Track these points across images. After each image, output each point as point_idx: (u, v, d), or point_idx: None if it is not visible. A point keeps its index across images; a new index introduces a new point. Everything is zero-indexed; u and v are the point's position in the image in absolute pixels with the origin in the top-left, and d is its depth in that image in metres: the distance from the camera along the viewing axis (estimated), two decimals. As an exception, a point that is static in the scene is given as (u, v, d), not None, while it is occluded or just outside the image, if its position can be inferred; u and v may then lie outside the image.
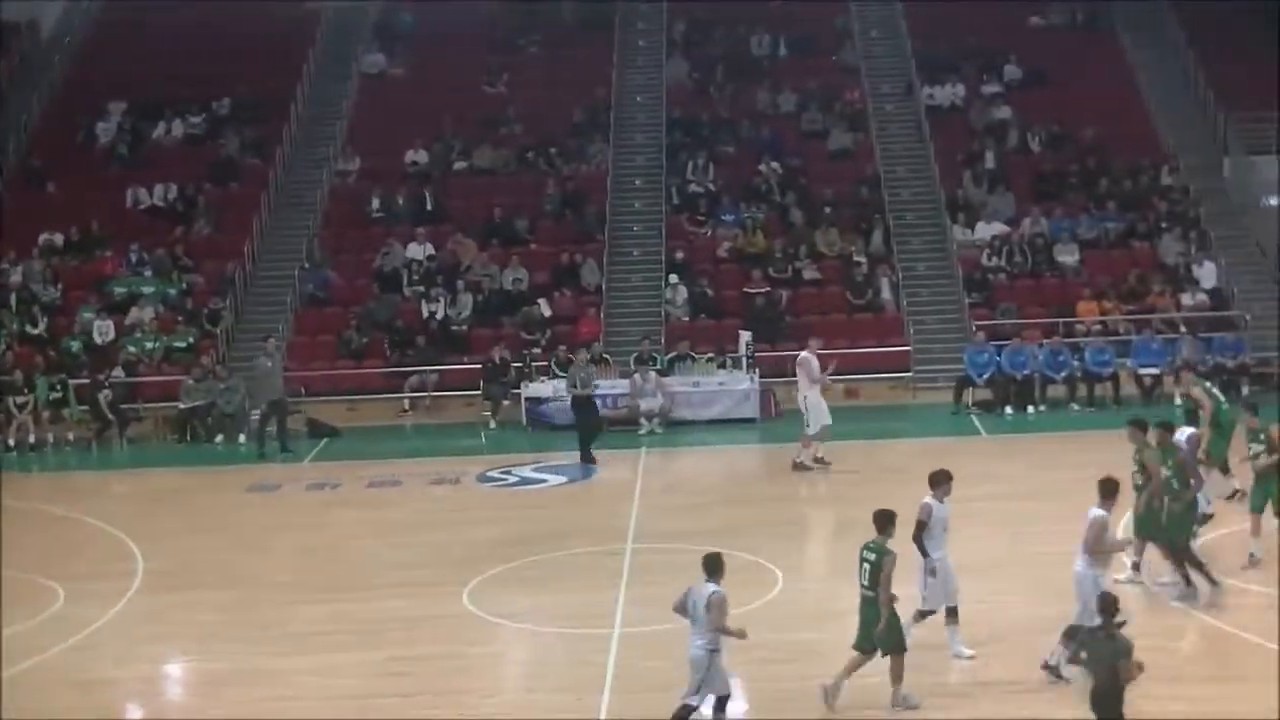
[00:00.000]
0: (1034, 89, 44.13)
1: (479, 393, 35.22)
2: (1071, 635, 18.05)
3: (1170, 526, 21.64)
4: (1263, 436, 22.47)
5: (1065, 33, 46.40)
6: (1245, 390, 33.60)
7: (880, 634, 18.29)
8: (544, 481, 30.15)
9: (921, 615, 19.75)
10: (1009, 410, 33.88)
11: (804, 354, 30.03)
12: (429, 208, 41.24)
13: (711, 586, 17.37)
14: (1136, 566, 22.50)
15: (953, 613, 19.76)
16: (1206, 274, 37.62)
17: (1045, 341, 34.97)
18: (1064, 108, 43.01)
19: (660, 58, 46.21)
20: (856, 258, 38.80)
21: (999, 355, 34.41)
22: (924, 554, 19.54)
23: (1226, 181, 41.08)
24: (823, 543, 25.42)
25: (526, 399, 34.46)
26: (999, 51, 45.17)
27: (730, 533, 25.82)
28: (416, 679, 20.04)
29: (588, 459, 30.58)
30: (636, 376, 33.73)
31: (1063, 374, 34.39)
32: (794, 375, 34.80)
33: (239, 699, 19.46)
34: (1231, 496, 25.48)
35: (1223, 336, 35.24)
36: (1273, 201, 40.29)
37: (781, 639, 21.21)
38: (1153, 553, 22.28)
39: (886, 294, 38.01)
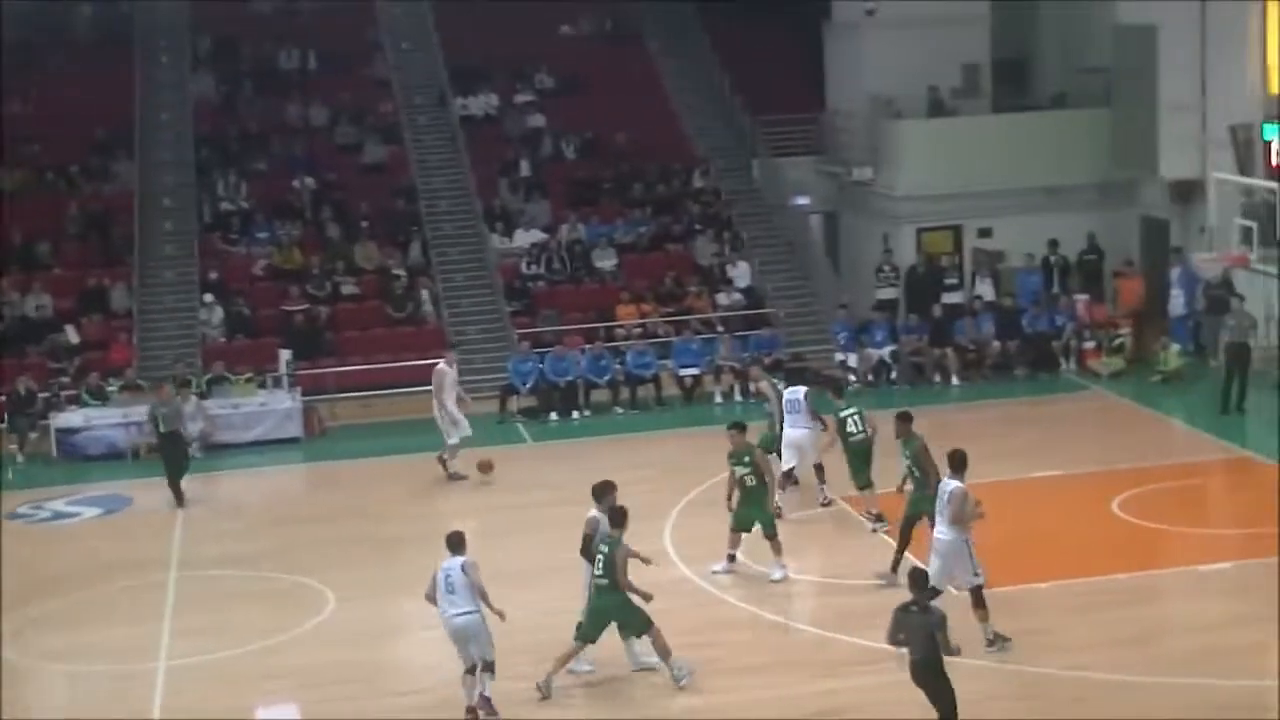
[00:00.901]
0: (566, 97, 44.35)
1: (3, 426, 33.35)
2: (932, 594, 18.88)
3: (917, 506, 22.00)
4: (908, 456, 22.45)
5: (596, 40, 46.80)
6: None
7: (629, 619, 19.18)
8: (79, 515, 28.74)
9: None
10: (554, 416, 33.88)
11: (440, 365, 29.66)
12: (-59, 234, 38.98)
13: (461, 558, 18.42)
14: (732, 558, 22.81)
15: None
16: (740, 273, 38.35)
17: (587, 347, 35.07)
18: (596, 114, 43.33)
19: (185, 73, 44.79)
20: (396, 271, 38.25)
21: (542, 362, 34.38)
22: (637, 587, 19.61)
23: (756, 183, 42.02)
24: (373, 560, 24.88)
25: (57, 430, 32.82)
26: (530, 60, 45.24)
27: (279, 555, 25.30)
28: (-53, 733, 18.85)
29: (179, 498, 28.91)
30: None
31: (605, 378, 34.55)
32: (338, 391, 34.56)
33: None
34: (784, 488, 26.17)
35: (758, 334, 35.94)
36: (801, 201, 41.39)
37: (336, 659, 20.81)
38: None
39: (428, 306, 37.60)
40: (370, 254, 38.78)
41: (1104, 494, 25.57)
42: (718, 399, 34.60)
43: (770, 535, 22.57)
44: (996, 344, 35.44)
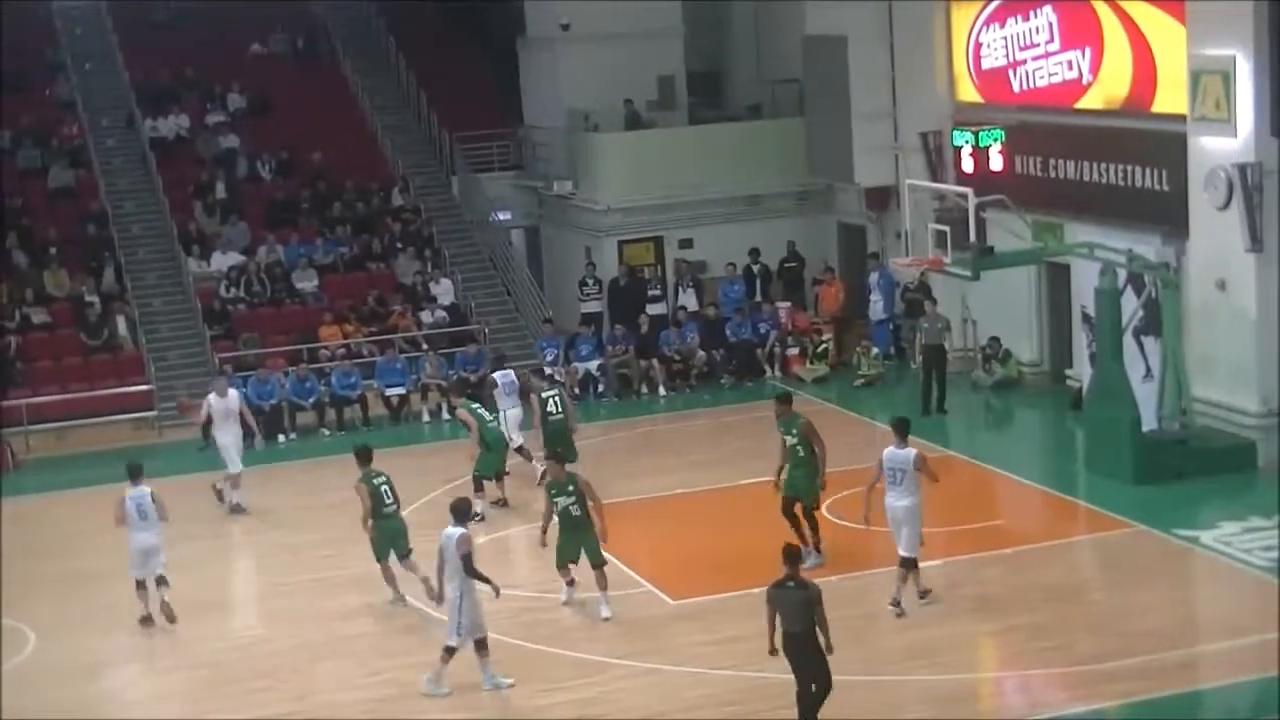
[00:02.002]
0: (259, 117, 43.61)
1: None
2: (910, 566, 20.94)
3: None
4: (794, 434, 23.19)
5: (287, 59, 46.15)
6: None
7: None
8: None
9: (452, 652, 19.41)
10: (259, 441, 33.11)
11: (210, 396, 28.77)
12: None
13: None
14: (572, 583, 22.24)
15: (482, 644, 19.46)
16: (444, 291, 38.03)
17: (291, 369, 34.42)
18: (291, 134, 42.69)
19: None
20: (89, 297, 37.10)
21: (244, 386, 33.61)
22: (486, 580, 19.40)
23: (456, 199, 41.80)
24: (74, 596, 24.08)
25: None
26: (221, 80, 44.38)
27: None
28: None
29: None
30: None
31: (310, 400, 33.91)
32: (31, 424, 33.40)
33: None
34: (498, 502, 26.21)
35: (464, 351, 35.61)
36: (501, 217, 41.26)
37: (39, 701, 20.05)
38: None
39: (124, 332, 36.54)
40: (61, 281, 37.57)
41: (813, 497, 25.86)
42: (425, 418, 34.26)
43: (599, 564, 21.58)
44: (702, 353, 35.66)
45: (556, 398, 27.52)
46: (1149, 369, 27.71)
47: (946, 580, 22.36)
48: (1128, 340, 27.29)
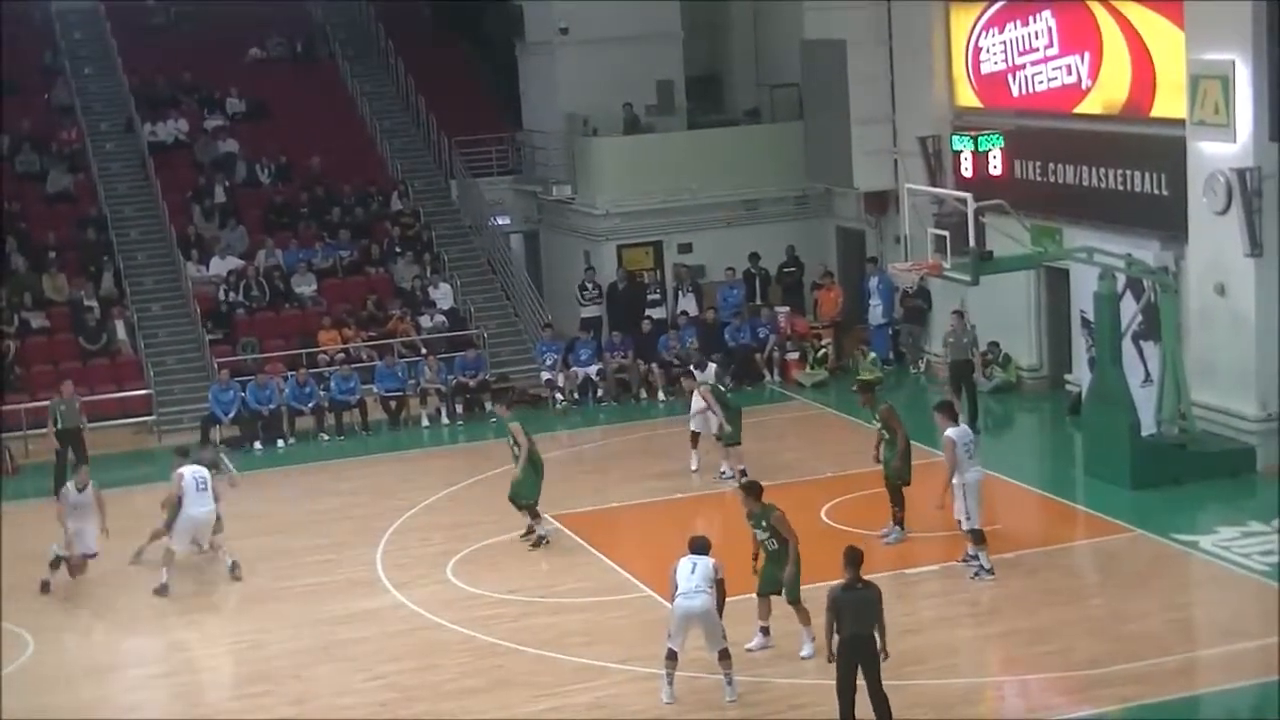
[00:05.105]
0: (258, 121, 43.62)
1: None
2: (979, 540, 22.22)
3: None
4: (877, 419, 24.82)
5: (286, 64, 46.19)
6: (489, 407, 34.25)
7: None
8: None
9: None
10: (258, 445, 33.17)
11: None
12: None
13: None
14: (765, 631, 21.07)
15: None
16: (443, 295, 38.06)
17: (290, 374, 34.42)
18: (289, 138, 42.70)
19: None
20: (87, 302, 37.12)
21: (244, 391, 33.62)
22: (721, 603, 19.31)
23: (454, 204, 41.82)
24: (72, 600, 24.09)
25: None
26: (220, 84, 44.41)
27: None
28: None
29: None
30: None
31: (310, 404, 33.90)
32: (31, 428, 33.30)
33: None
34: None
35: (463, 355, 35.58)
36: (500, 221, 41.28)
37: (40, 704, 20.06)
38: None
39: (122, 336, 36.55)
40: (59, 286, 37.58)
41: (812, 503, 25.82)
42: (425, 422, 34.27)
43: (793, 601, 20.16)
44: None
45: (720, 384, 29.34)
46: (1148, 374, 27.74)
47: (945, 585, 22.39)
48: (1127, 345, 27.33)
